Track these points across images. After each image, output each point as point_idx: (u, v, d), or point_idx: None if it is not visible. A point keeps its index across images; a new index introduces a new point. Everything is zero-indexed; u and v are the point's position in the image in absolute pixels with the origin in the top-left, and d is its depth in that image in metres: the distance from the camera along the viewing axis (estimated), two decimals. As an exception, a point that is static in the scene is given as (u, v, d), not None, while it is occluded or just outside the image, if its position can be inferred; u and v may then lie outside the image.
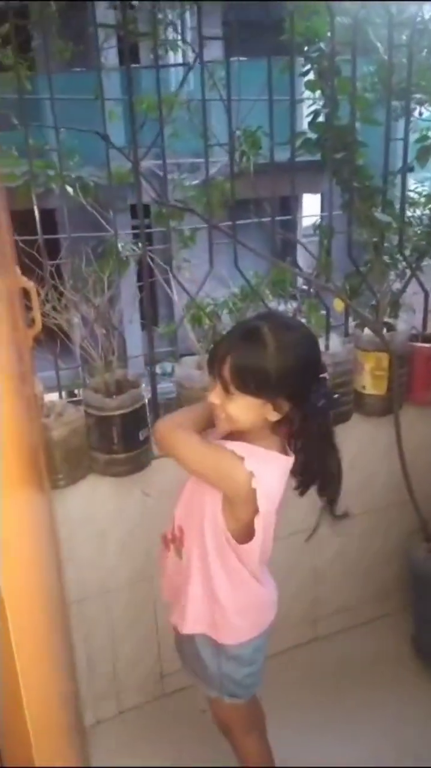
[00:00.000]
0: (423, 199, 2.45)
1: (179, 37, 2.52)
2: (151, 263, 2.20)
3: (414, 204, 2.42)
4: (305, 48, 2.19)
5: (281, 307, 2.31)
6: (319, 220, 2.43)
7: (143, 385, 1.99)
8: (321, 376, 1.38)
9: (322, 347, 2.02)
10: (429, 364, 2.29)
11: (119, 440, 1.88)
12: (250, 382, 1.30)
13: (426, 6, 2.16)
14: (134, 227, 3.47)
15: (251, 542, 1.42)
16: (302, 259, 2.54)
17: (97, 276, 1.94)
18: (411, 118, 2.22)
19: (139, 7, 2.15)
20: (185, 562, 1.52)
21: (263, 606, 1.58)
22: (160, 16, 2.25)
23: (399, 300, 2.38)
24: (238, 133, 2.23)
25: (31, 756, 0.94)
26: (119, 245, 2.14)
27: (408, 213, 2.34)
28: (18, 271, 1.36)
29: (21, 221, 1.59)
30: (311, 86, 2.27)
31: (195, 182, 2.59)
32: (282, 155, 2.12)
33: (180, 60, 2.88)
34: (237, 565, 1.47)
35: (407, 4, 2.14)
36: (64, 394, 2.08)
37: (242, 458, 1.34)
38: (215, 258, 2.15)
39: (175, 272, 2.24)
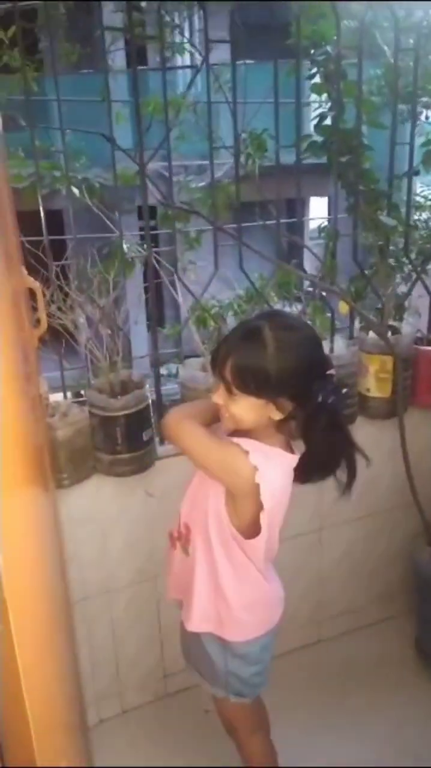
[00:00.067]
0: (428, 203, 2.45)
1: (186, 40, 2.53)
2: (156, 265, 2.21)
3: (419, 207, 2.42)
4: (312, 51, 2.19)
5: (287, 310, 2.31)
6: (325, 223, 2.43)
7: (148, 386, 1.99)
8: (328, 373, 1.37)
9: (326, 350, 2.02)
10: (433, 366, 2.29)
11: (123, 440, 1.89)
12: (250, 382, 1.31)
13: (433, 9, 2.16)
14: (140, 229, 3.48)
15: (256, 538, 1.42)
16: (309, 261, 2.54)
17: (102, 277, 1.94)
18: (417, 122, 2.22)
19: (146, 10, 2.16)
20: (191, 558, 1.53)
21: (269, 603, 1.58)
22: (167, 18, 2.26)
23: (404, 303, 2.38)
24: (244, 135, 2.23)
25: (33, 756, 0.94)
26: (125, 246, 2.15)
27: (414, 216, 2.34)
28: (24, 271, 1.37)
29: (27, 222, 1.59)
30: (317, 89, 2.27)
31: (201, 184, 2.59)
32: (288, 158, 2.13)
33: (188, 62, 2.89)
34: (244, 560, 1.47)
35: (414, 8, 2.15)
36: (69, 394, 2.09)
37: (246, 452, 1.34)
38: (221, 260, 2.15)
39: (180, 274, 2.25)
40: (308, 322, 2.16)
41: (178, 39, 2.54)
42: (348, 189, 2.27)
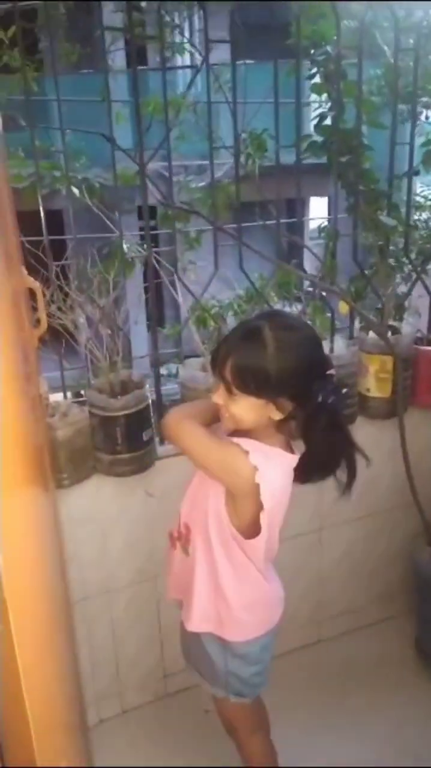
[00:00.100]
0: (428, 203, 2.45)
1: (186, 40, 2.53)
2: (156, 265, 2.21)
3: (419, 207, 2.42)
4: (312, 51, 2.19)
5: (287, 310, 2.31)
6: (325, 223, 2.43)
7: (148, 386, 1.99)
8: (328, 373, 1.37)
9: (326, 350, 2.02)
10: (433, 366, 2.29)
11: (123, 440, 1.89)
12: (250, 382, 1.31)
13: (433, 9, 2.16)
14: (140, 229, 3.48)
15: (256, 538, 1.42)
16: (309, 261, 2.54)
17: (102, 277, 1.94)
18: (417, 122, 2.22)
19: (146, 10, 2.16)
20: (191, 558, 1.53)
21: (269, 603, 1.58)
22: (167, 18, 2.26)
23: (404, 303, 2.38)
24: (244, 135, 2.23)
25: (33, 756, 0.94)
26: (125, 246, 2.15)
27: (414, 216, 2.34)
28: (24, 271, 1.37)
29: (27, 222, 1.59)
30: (317, 89, 2.27)
31: (201, 184, 2.59)
32: (288, 158, 2.13)
33: (188, 62, 2.89)
34: (244, 560, 1.47)
35: (414, 8, 2.15)
36: (69, 394, 2.09)
37: (246, 452, 1.34)
38: (221, 260, 2.15)
39: (180, 274, 2.25)
40: (308, 322, 2.16)
41: (178, 39, 2.54)
42: (348, 189, 2.27)
